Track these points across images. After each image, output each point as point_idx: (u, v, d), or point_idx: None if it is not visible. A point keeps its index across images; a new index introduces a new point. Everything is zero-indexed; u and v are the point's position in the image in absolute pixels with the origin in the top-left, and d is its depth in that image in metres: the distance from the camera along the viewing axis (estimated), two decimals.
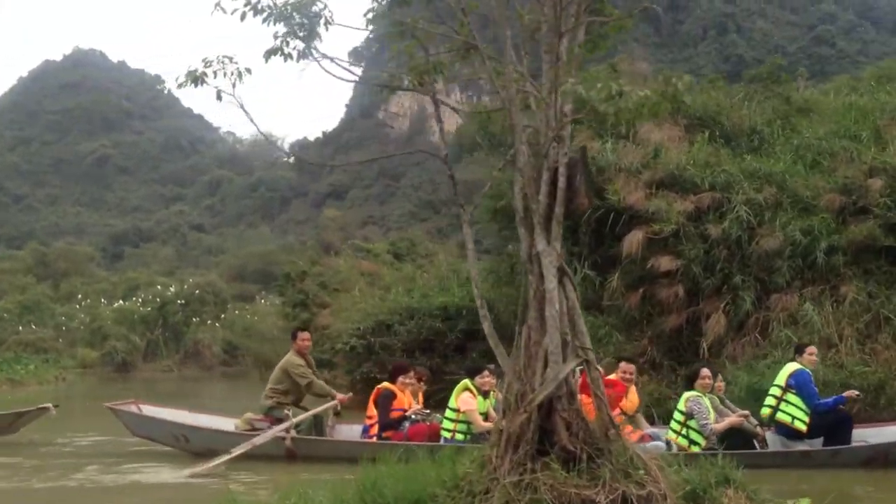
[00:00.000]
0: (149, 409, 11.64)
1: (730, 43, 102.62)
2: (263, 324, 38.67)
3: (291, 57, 7.04)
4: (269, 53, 7.00)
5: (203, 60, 6.78)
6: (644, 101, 5.40)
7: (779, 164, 16.46)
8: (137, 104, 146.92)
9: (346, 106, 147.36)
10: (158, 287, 59.43)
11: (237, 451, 9.88)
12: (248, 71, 6.90)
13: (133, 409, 11.45)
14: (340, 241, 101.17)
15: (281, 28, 7.11)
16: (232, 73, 6.82)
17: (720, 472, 6.86)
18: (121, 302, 57.67)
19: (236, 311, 58.25)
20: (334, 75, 7.22)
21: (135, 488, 9.14)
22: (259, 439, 10.11)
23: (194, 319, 55.51)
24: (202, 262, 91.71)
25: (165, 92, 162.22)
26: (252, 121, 7.31)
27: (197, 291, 57.84)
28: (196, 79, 6.75)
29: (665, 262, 14.56)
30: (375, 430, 10.66)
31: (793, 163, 16.66)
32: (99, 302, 59.67)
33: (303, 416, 10.69)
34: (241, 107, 6.96)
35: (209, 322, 55.61)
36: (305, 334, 11.34)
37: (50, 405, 11.87)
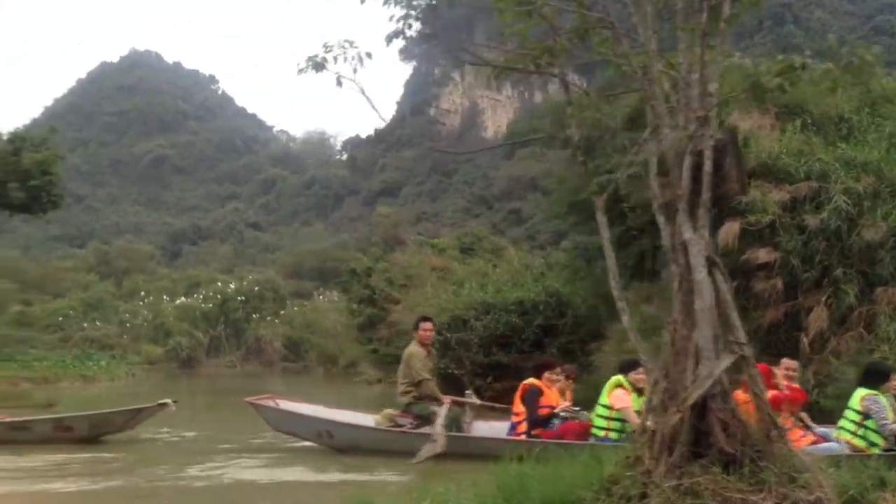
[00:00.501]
0: (286, 405, 11.29)
1: (787, 33, 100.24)
2: (326, 320, 38.66)
3: (411, 38, 6.75)
4: (391, 37, 6.73)
5: (323, 46, 6.55)
6: (827, 74, 4.98)
7: (873, 152, 15.77)
8: (192, 104, 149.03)
9: (398, 103, 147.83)
10: (219, 284, 60.21)
11: (426, 454, 9.42)
12: (369, 55, 6.64)
13: (271, 404, 11.13)
14: (394, 239, 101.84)
15: (399, 11, 6.85)
16: (352, 58, 6.56)
17: (875, 475, 6.43)
18: (183, 299, 58.53)
19: (295, 308, 58.68)
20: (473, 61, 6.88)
21: (280, 486, 8.78)
22: (438, 437, 9.62)
23: (254, 316, 56.14)
24: (259, 260, 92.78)
25: (219, 92, 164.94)
26: (374, 107, 7.03)
27: (256, 288, 58.51)
28: (317, 65, 6.50)
29: (762, 255, 13.93)
30: (524, 427, 10.10)
31: (887, 151, 15.98)
32: (161, 299, 60.62)
33: (440, 414, 10.13)
34: (362, 91, 6.70)
35: (269, 318, 56.18)
36: (428, 324, 10.71)
37: (169, 401, 11.38)
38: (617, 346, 12.38)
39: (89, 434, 11.47)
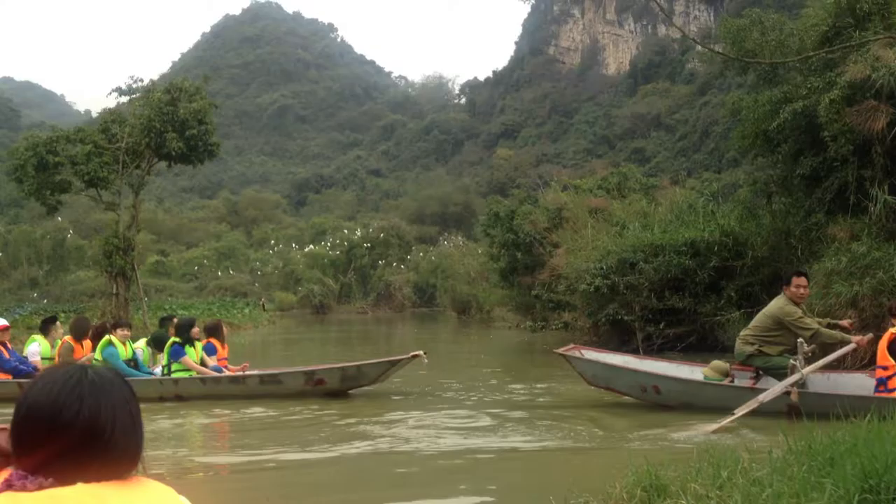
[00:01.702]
0: (592, 355, 10.08)
1: None
2: (460, 265, 37.86)
3: None
4: None
5: None
6: None
7: None
8: (313, 53, 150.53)
9: (515, 43, 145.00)
10: (345, 231, 60.53)
11: (743, 411, 8.06)
12: None
13: (578, 354, 9.89)
14: (512, 181, 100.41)
15: None
16: None
17: None
18: (311, 246, 59.18)
19: (420, 254, 58.40)
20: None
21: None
22: (767, 395, 8.21)
23: (380, 262, 56.19)
24: (381, 206, 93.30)
25: (338, 40, 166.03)
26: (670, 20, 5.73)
27: (381, 235, 58.49)
28: None
29: None
30: None
31: None
32: (290, 247, 61.54)
33: (814, 366, 8.59)
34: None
35: (394, 264, 56.15)
36: (802, 279, 8.75)
37: (421, 353, 10.38)
38: (820, 290, 10.74)
39: (340, 387, 10.92)
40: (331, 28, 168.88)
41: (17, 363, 10.71)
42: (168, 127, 21.07)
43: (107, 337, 10.75)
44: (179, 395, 10.64)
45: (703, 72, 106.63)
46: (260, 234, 70.98)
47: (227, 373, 11.04)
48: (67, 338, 10.98)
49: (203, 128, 21.58)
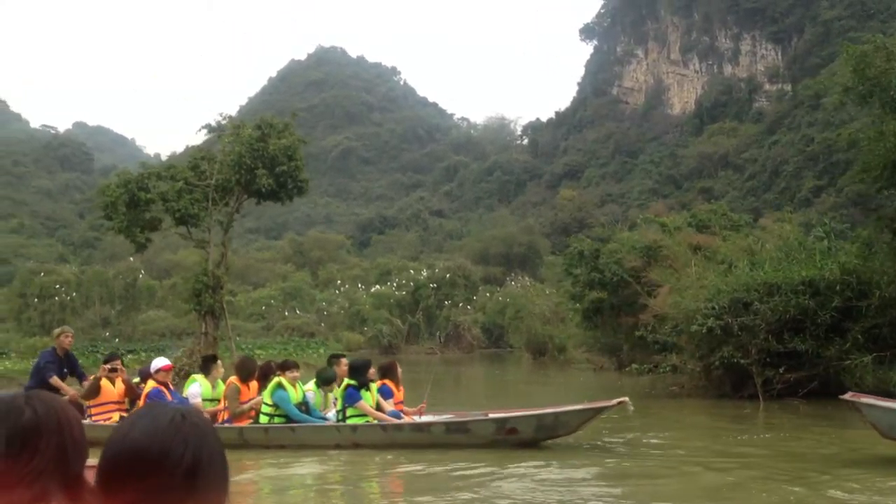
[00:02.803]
0: (886, 403, 8.49)
1: None
2: (534, 305, 37.14)
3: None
4: None
5: None
6: None
7: None
8: (376, 96, 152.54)
9: (578, 84, 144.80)
10: (411, 271, 60.28)
11: None
12: None
13: (869, 401, 8.39)
14: (577, 222, 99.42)
15: None
16: None
17: None
18: (377, 287, 59.03)
19: (487, 294, 57.81)
20: None
21: None
22: None
23: (446, 302, 55.73)
24: (444, 247, 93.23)
25: (401, 83, 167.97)
26: None
27: (448, 275, 58.13)
28: None
29: None
30: None
31: None
32: (355, 287, 61.47)
33: None
34: None
35: (460, 305, 55.62)
36: None
37: (626, 399, 9.07)
38: None
39: (534, 437, 9.60)
40: (394, 71, 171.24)
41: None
42: (258, 163, 20.92)
43: (277, 379, 9.87)
44: (357, 443, 9.68)
45: (771, 111, 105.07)
46: (325, 275, 71.21)
47: (406, 419, 10.02)
48: (233, 379, 10.22)
49: (293, 164, 21.42)
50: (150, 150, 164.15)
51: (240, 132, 21.88)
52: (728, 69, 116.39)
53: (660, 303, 16.42)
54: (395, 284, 58.48)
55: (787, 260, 15.49)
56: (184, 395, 10.23)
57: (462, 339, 50.40)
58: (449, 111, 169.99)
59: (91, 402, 10.07)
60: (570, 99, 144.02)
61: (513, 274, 62.30)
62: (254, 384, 10.23)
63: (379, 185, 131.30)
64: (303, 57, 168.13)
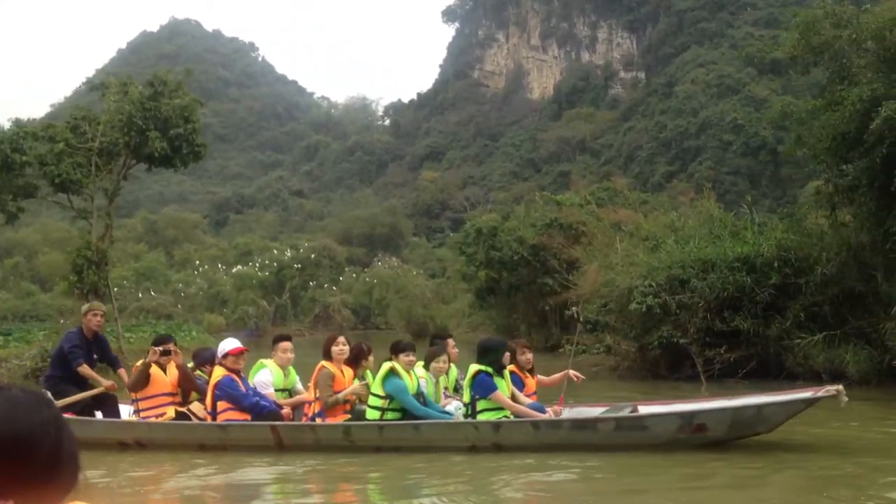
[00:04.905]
0: None
1: None
2: (414, 285, 36.62)
3: None
4: None
5: None
6: None
7: None
8: (233, 72, 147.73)
9: (440, 66, 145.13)
10: (274, 252, 58.65)
11: None
12: None
13: None
14: (440, 204, 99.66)
15: None
16: None
17: None
18: (238, 267, 57.11)
19: (353, 275, 57.01)
20: None
21: None
22: None
23: (311, 283, 54.53)
24: (305, 227, 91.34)
25: (260, 59, 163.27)
26: None
27: (313, 256, 56.86)
28: None
29: None
30: None
31: None
32: (215, 268, 59.25)
33: None
34: None
35: (325, 286, 54.60)
36: None
37: (840, 388, 7.14)
38: None
39: (727, 435, 7.70)
40: (252, 47, 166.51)
41: (260, 399, 8.08)
42: (150, 124, 18.90)
43: (388, 364, 7.91)
44: (499, 444, 7.78)
45: (626, 98, 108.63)
46: (181, 255, 68.31)
47: (550, 413, 8.11)
48: (326, 363, 8.10)
49: (190, 126, 19.39)
50: None
51: (129, 90, 19.71)
52: (585, 56, 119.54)
53: (589, 281, 15.97)
54: (257, 265, 56.70)
55: (710, 237, 15.27)
56: (251, 383, 8.36)
57: (331, 319, 49.43)
58: (309, 90, 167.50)
59: (139, 394, 8.39)
60: (432, 81, 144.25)
61: (380, 255, 61.67)
62: (348, 370, 8.25)
63: (236, 164, 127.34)
64: (155, 29, 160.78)
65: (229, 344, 8.08)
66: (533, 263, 18.88)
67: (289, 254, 57.51)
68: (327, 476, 7.26)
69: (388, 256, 59.54)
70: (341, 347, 8.22)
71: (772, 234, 14.28)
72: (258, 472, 7.35)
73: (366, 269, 57.23)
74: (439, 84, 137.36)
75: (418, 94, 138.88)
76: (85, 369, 8.52)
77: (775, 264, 13.28)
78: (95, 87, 21.42)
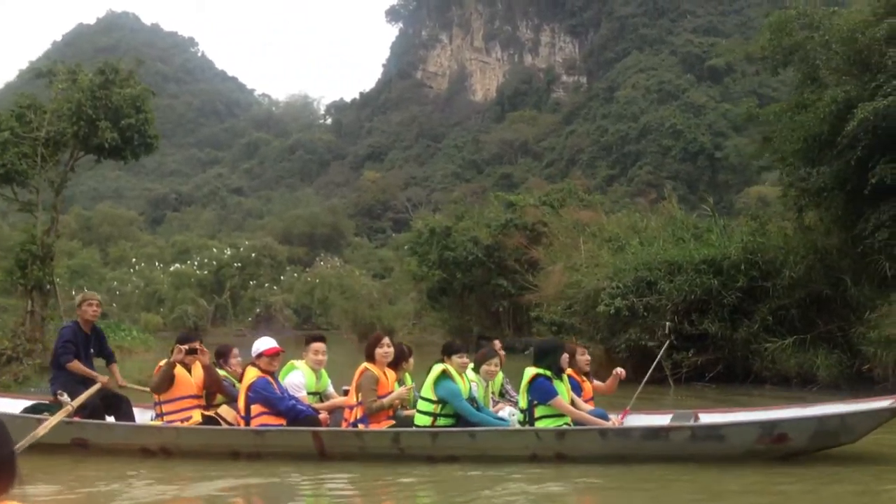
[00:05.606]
0: None
1: None
2: (360, 285, 36.18)
3: None
4: None
5: None
6: None
7: None
8: (172, 67, 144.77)
9: (383, 66, 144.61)
10: (213, 250, 57.59)
11: None
12: None
13: None
14: (381, 205, 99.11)
15: None
16: None
17: None
18: (176, 266, 55.92)
19: (294, 275, 56.33)
20: None
21: None
22: None
23: (252, 283, 53.72)
24: (245, 226, 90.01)
25: (199, 55, 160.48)
26: None
27: (253, 255, 56.04)
28: None
29: None
30: None
31: None
32: (152, 266, 57.92)
33: None
34: None
35: (266, 285, 53.84)
36: None
37: None
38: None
39: (808, 446, 7.16)
40: (191, 42, 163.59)
41: (296, 402, 7.44)
42: (101, 114, 18.17)
43: (441, 366, 7.43)
44: (563, 453, 7.19)
45: (568, 101, 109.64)
46: (117, 253, 66.58)
47: (614, 420, 7.68)
48: (369, 366, 7.50)
49: (141, 117, 18.68)
50: None
51: (78, 77, 18.93)
52: (528, 59, 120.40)
53: (554, 282, 15.78)
54: (195, 263, 55.57)
55: (673, 238, 15.23)
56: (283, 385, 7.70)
57: (273, 319, 48.73)
58: (249, 86, 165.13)
59: (162, 397, 7.63)
60: (375, 80, 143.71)
61: (322, 254, 61.04)
62: (390, 372, 7.67)
63: (174, 160, 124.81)
64: (92, 21, 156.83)
65: (264, 344, 7.42)
66: (487, 264, 18.74)
67: (228, 252, 56.53)
68: (374, 487, 6.71)
69: (330, 256, 58.96)
70: (386, 349, 7.59)
71: (737, 236, 14.32)
72: (299, 481, 6.78)
73: (307, 269, 56.60)
74: (382, 84, 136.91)
75: (361, 94, 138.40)
76: (75, 365, 7.84)
77: (742, 267, 13.29)
78: (42, 74, 20.50)
